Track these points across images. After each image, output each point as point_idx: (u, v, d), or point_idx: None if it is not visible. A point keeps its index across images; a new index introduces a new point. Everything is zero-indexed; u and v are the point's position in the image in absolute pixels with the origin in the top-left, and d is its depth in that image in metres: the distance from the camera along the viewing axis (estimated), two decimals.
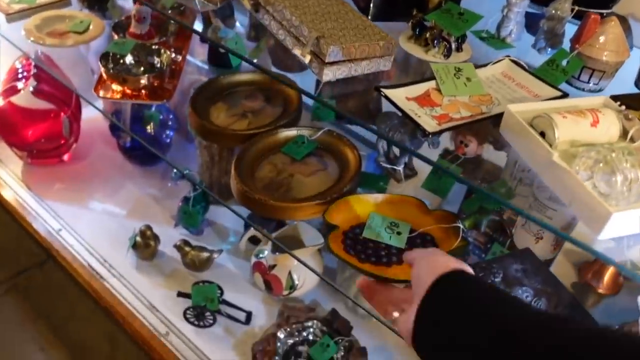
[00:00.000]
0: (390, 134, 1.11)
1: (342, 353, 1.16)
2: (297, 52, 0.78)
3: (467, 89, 0.77)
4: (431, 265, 0.51)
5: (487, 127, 1.00)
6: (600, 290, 0.98)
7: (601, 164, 0.59)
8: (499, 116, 0.72)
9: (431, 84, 0.78)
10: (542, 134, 0.67)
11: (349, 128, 1.40)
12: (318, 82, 1.19)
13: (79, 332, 1.47)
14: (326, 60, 0.75)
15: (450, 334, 0.46)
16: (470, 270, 0.52)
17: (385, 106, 1.23)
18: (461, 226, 0.85)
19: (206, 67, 1.47)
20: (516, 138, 0.69)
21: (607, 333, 0.42)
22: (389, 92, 0.75)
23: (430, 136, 0.68)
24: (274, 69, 1.17)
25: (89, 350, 1.44)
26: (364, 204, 0.91)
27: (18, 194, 1.47)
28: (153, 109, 1.47)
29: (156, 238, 1.36)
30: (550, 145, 0.64)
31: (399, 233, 0.84)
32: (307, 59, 0.76)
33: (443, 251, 0.60)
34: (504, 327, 0.43)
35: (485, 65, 0.84)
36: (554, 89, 0.78)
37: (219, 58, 1.34)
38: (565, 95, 0.77)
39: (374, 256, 0.82)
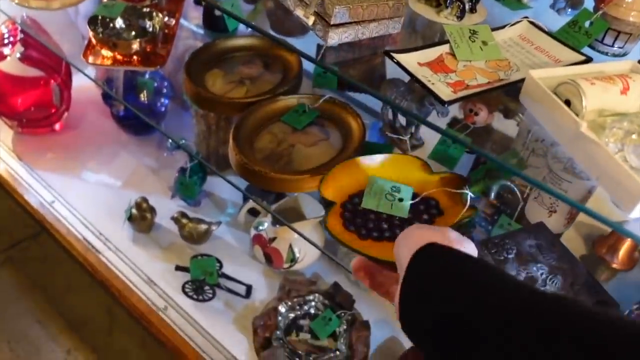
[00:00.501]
0: (396, 102, 1.06)
1: (345, 327, 1.14)
2: (299, 13, 0.72)
3: (483, 54, 0.72)
4: (408, 240, 0.47)
5: (499, 94, 0.95)
6: (614, 265, 0.95)
7: (634, 135, 0.55)
8: (519, 83, 0.67)
9: (444, 48, 0.73)
10: (567, 102, 0.62)
11: (352, 97, 1.34)
12: (319, 47, 1.13)
13: (77, 305, 1.45)
14: (331, 22, 0.70)
15: (432, 317, 0.42)
16: (456, 238, 0.47)
17: (390, 72, 1.17)
18: (469, 193, 0.77)
19: (201, 31, 1.41)
20: (538, 107, 0.64)
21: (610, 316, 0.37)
22: (399, 57, 0.69)
23: (446, 105, 0.63)
24: (272, 34, 1.10)
25: (87, 323, 1.42)
26: (362, 169, 0.81)
27: (9, 165, 1.42)
28: (147, 76, 1.41)
29: (152, 210, 1.32)
30: (577, 115, 0.59)
31: (400, 200, 0.77)
32: (310, 20, 0.71)
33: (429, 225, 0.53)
34: (493, 305, 0.39)
35: (501, 27, 0.78)
36: (577, 53, 0.72)
37: (214, 22, 1.27)
38: (589, 59, 0.71)
39: (375, 230, 0.75)
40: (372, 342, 1.13)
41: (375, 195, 0.76)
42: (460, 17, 0.80)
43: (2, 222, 1.63)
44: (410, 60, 0.69)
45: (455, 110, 1.09)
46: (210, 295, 1.22)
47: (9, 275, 1.54)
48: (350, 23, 0.72)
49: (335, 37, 0.72)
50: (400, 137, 1.01)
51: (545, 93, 0.61)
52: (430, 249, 0.45)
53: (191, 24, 1.44)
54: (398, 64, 0.69)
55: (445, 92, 0.65)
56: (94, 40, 1.10)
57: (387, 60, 1.22)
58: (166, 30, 1.16)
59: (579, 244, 1.08)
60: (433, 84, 0.66)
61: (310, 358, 1.13)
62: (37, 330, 1.44)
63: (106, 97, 1.47)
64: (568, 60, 0.72)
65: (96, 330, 1.41)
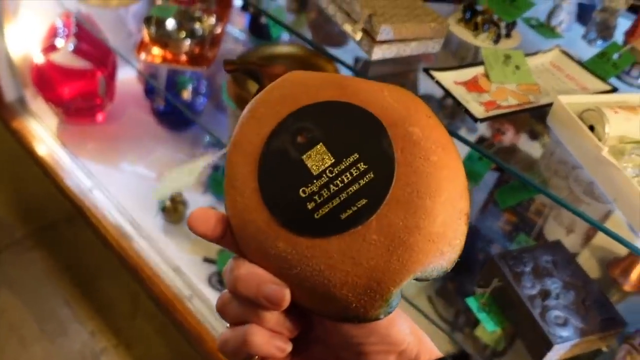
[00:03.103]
0: None
1: None
2: (347, 28, 0.78)
3: (515, 77, 0.77)
4: None
5: (526, 116, 1.00)
6: (626, 288, 0.99)
7: None
8: (547, 106, 0.72)
9: (479, 70, 0.78)
10: (591, 128, 0.66)
11: None
12: (356, 59, 1.19)
13: (104, 290, 1.51)
14: (377, 39, 0.75)
15: None
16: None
17: (422, 88, 1.23)
18: None
19: (242, 37, 1.48)
20: (564, 130, 0.69)
21: None
22: (437, 75, 0.75)
23: (478, 122, 0.69)
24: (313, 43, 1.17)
25: (112, 307, 1.49)
26: None
27: (53, 150, 1.49)
28: (187, 75, 1.49)
29: (185, 203, 1.39)
30: (599, 140, 0.64)
31: None
32: (358, 36, 0.76)
33: None
34: None
35: (534, 53, 0.84)
36: (604, 82, 0.77)
37: (259, 29, 1.34)
38: (614, 89, 0.76)
39: None
40: None
41: None
42: (496, 41, 0.85)
43: (37, 204, 1.70)
44: (447, 78, 0.75)
45: (482, 129, 1.14)
46: None
47: (41, 257, 1.61)
48: (394, 41, 0.78)
49: (380, 53, 0.78)
50: None
51: (571, 118, 0.66)
52: None
53: (234, 29, 1.51)
54: (436, 81, 0.74)
55: (478, 110, 0.70)
56: (147, 38, 1.17)
57: (421, 77, 1.27)
58: (214, 34, 1.23)
59: (593, 266, 1.12)
60: (467, 101, 0.71)
61: None
62: (65, 311, 1.50)
63: (148, 92, 1.54)
64: (595, 88, 0.77)
65: (120, 315, 1.47)
